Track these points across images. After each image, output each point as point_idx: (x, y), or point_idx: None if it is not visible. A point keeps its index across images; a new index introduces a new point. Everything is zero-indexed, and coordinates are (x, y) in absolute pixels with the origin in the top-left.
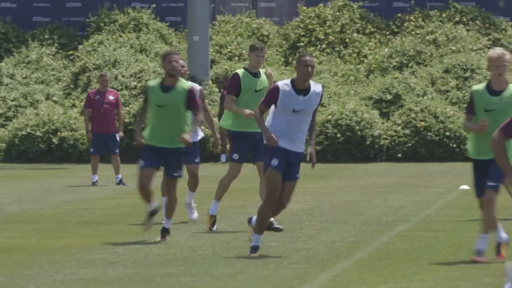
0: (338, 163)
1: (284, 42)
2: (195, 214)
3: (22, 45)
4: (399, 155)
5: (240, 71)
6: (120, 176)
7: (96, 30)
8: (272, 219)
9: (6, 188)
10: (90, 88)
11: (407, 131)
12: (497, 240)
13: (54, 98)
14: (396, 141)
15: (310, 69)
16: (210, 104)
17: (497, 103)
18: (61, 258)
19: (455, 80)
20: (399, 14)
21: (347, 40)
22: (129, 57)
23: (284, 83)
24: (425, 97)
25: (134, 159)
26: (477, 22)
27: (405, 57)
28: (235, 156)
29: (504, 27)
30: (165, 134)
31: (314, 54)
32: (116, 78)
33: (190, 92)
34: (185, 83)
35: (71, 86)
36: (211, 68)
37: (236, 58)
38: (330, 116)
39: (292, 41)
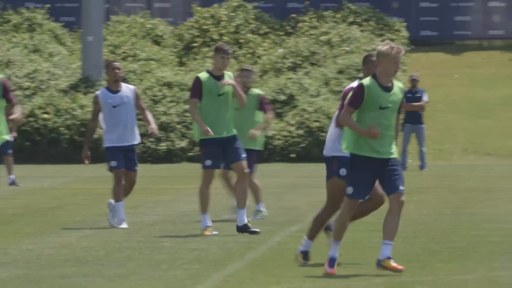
0: None
1: (178, 42)
2: (116, 220)
3: None
4: (293, 155)
5: (203, 75)
6: (13, 176)
7: None
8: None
9: None
10: None
11: (301, 132)
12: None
13: None
14: (290, 141)
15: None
16: None
17: (390, 101)
18: None
19: (349, 81)
20: (294, 15)
21: (241, 40)
22: (22, 57)
23: None
24: (319, 98)
25: (27, 160)
26: (371, 23)
27: (299, 58)
28: (208, 162)
29: (397, 28)
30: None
31: (207, 55)
32: (9, 78)
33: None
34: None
35: None
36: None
37: (130, 58)
38: None
39: (186, 41)
